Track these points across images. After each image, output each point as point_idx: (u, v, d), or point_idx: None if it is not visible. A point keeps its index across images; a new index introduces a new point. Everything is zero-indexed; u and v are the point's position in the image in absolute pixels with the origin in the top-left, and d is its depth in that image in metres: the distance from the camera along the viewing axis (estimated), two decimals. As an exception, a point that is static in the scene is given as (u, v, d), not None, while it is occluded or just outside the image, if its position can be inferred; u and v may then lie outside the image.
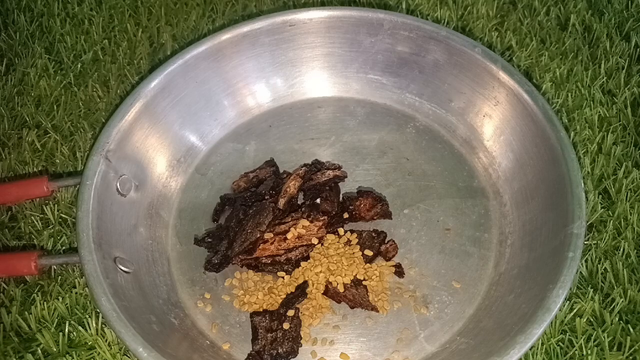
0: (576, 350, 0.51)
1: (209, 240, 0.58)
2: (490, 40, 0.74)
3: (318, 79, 0.70)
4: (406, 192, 0.62)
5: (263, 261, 0.56)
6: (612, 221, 0.58)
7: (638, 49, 0.72)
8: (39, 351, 0.52)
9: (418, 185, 0.63)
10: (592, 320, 0.53)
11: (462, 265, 0.57)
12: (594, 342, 0.52)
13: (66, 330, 0.53)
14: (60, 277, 0.57)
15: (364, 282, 0.55)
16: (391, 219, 0.60)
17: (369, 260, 0.57)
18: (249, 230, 0.56)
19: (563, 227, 0.51)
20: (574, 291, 0.55)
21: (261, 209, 0.58)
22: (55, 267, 0.57)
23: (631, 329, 0.52)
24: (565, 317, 0.53)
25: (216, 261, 0.56)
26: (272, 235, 0.57)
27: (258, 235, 0.56)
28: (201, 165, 0.65)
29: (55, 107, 0.70)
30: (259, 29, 0.65)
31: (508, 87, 0.60)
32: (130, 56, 0.75)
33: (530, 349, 0.49)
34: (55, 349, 0.53)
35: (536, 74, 0.71)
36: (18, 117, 0.69)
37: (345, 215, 0.59)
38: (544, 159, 0.57)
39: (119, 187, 0.57)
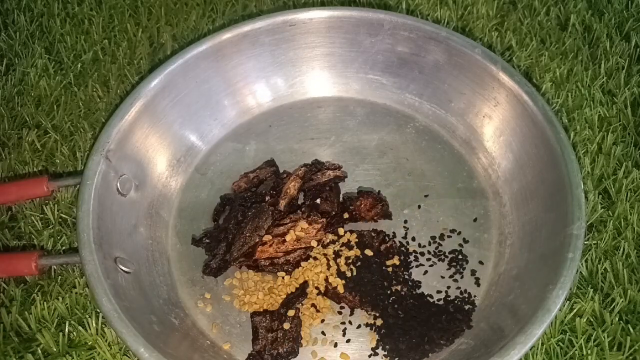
0: (576, 350, 0.51)
1: (207, 241, 0.58)
2: (490, 40, 0.74)
3: (318, 79, 0.70)
4: (406, 192, 0.62)
5: (262, 263, 0.56)
6: (612, 221, 0.58)
7: (638, 49, 0.72)
8: (39, 351, 0.52)
9: (418, 186, 0.63)
10: (592, 320, 0.53)
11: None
12: (594, 342, 0.52)
13: (66, 330, 0.53)
14: (60, 277, 0.57)
15: (364, 282, 0.55)
16: (391, 219, 0.60)
17: (369, 260, 0.57)
18: (247, 234, 0.56)
19: (563, 228, 0.51)
20: (574, 291, 0.55)
21: (260, 212, 0.57)
22: (55, 267, 0.57)
23: (631, 329, 0.52)
24: (565, 317, 0.53)
25: (214, 265, 0.56)
26: (270, 238, 0.57)
27: (257, 240, 0.56)
28: (201, 165, 0.65)
29: (55, 107, 0.70)
30: (259, 29, 0.65)
31: (508, 87, 0.60)
32: (130, 56, 0.75)
33: (531, 349, 0.49)
34: (55, 349, 0.53)
35: (536, 74, 0.71)
36: (18, 117, 0.69)
37: (346, 216, 0.59)
38: (544, 159, 0.57)
39: (119, 187, 0.57)
